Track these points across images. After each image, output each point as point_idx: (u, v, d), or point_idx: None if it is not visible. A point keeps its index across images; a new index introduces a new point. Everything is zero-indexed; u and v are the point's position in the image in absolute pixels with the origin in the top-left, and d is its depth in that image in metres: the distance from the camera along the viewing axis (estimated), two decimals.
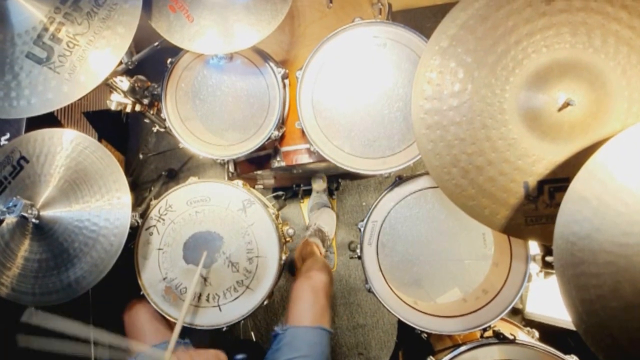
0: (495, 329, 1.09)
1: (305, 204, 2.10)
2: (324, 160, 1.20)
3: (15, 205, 0.96)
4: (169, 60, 1.25)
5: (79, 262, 1.04)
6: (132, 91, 1.24)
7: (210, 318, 1.18)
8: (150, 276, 1.19)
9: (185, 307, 1.09)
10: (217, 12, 1.08)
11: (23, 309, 1.07)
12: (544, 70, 0.89)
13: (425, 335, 1.14)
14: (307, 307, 1.21)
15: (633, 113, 0.88)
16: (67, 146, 1.08)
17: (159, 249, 1.20)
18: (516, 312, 1.78)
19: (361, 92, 1.20)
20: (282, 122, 1.27)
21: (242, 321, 1.18)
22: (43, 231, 1.03)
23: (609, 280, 0.73)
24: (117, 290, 1.26)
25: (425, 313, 1.14)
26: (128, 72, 1.22)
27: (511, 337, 1.05)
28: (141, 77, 1.28)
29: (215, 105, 1.28)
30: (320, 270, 1.32)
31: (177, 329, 1.03)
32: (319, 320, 1.19)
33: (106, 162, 1.07)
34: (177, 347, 1.11)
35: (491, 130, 0.93)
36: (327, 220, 1.99)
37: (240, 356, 1.22)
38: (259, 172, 1.46)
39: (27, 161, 1.08)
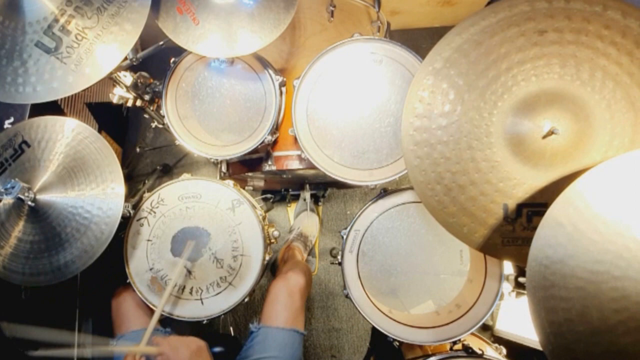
0: (465, 342, 1.12)
1: (292, 208, 2.12)
2: (313, 167, 1.22)
3: (13, 187, 0.98)
4: (172, 60, 1.27)
5: (69, 247, 1.06)
6: (135, 86, 1.27)
7: (191, 310, 1.20)
8: (138, 266, 1.22)
9: (166, 295, 1.12)
10: (223, 17, 1.11)
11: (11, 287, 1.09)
12: (532, 98, 0.91)
13: (397, 343, 1.16)
14: (282, 309, 1.23)
15: (614, 146, 0.89)
16: (68, 134, 1.10)
17: (148, 240, 1.23)
18: (486, 329, 1.81)
19: (355, 105, 1.22)
20: (276, 128, 1.29)
21: (222, 316, 1.20)
22: (38, 214, 1.05)
23: (577, 304, 0.73)
24: (105, 276, 1.28)
25: (399, 322, 1.16)
26: (132, 68, 1.24)
27: (479, 352, 1.07)
28: (144, 73, 1.31)
29: (213, 107, 1.30)
30: (298, 272, 1.33)
31: (157, 315, 1.07)
32: (292, 322, 1.21)
33: (104, 153, 1.10)
34: (157, 334, 1.15)
35: (476, 152, 0.95)
36: (309, 225, 2.01)
37: (217, 349, 1.25)
38: (250, 174, 1.47)
39: (28, 145, 1.10)
